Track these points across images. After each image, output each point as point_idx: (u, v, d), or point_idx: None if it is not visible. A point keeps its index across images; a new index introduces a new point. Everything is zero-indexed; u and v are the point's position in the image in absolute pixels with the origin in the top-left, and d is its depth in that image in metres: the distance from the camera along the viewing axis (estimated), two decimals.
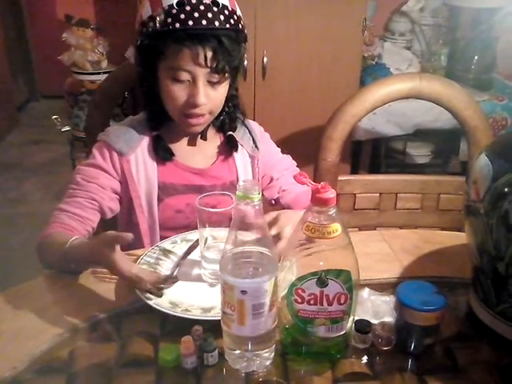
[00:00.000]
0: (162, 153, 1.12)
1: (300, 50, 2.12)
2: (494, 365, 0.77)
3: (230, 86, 1.11)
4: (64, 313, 0.86)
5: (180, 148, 1.16)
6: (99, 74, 2.72)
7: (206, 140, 1.16)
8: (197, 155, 1.17)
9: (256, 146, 1.20)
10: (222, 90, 1.08)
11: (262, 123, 1.28)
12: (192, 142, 1.17)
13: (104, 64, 2.80)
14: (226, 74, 1.06)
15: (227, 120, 1.17)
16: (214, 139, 1.19)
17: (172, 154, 1.13)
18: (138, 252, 1.00)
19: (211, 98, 1.06)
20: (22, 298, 0.90)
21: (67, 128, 2.74)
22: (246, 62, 1.15)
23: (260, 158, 1.21)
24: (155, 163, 1.13)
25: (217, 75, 1.03)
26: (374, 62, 2.43)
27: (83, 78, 2.75)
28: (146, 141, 1.13)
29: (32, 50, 4.32)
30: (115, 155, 1.10)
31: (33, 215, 2.64)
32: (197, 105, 1.04)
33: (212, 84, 1.05)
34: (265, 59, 2.09)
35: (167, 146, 1.13)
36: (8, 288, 0.93)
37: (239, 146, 1.19)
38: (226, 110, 1.15)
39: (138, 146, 1.11)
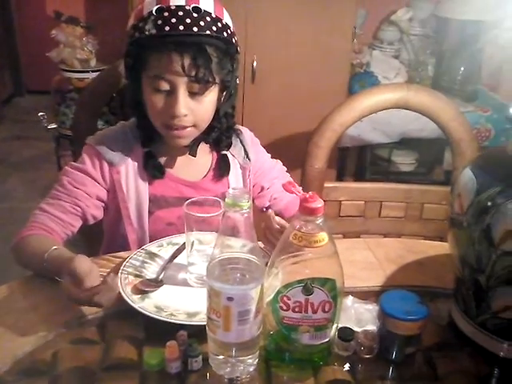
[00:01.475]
0: (151, 171, 1.10)
1: (290, 56, 2.13)
2: (473, 375, 0.79)
3: (223, 101, 1.08)
4: (48, 314, 0.85)
5: (172, 160, 1.13)
6: (87, 72, 2.70)
7: (195, 157, 1.12)
8: (189, 168, 1.14)
9: (248, 157, 1.19)
10: (207, 101, 1.03)
11: (250, 126, 1.27)
12: (184, 156, 1.14)
13: (93, 62, 2.78)
14: (211, 85, 1.01)
15: (223, 137, 1.14)
16: (208, 154, 1.17)
17: (163, 173, 1.11)
18: (124, 255, 1.00)
19: (193, 109, 1.02)
20: (5, 299, 0.89)
21: (53, 125, 2.71)
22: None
23: (251, 168, 1.20)
24: (146, 176, 1.10)
25: (197, 85, 0.99)
26: (362, 70, 2.45)
27: (71, 75, 2.72)
28: (137, 152, 1.10)
29: (19, 44, 4.27)
30: (105, 164, 1.08)
31: (16, 211, 2.61)
32: (175, 115, 1.01)
33: (193, 94, 1.01)
34: (255, 63, 2.10)
35: (158, 163, 1.11)
36: None
37: (231, 156, 1.17)
38: (219, 126, 1.11)
39: (129, 158, 1.09)
